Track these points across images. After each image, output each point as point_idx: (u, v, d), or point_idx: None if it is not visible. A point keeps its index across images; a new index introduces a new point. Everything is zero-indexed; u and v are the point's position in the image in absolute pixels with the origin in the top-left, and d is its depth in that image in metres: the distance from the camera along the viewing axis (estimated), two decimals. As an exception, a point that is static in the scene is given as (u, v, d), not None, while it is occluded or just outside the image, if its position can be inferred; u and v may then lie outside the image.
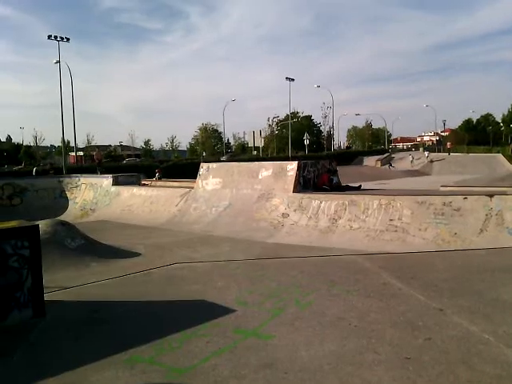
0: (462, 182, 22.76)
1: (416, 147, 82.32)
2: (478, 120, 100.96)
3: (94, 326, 4.93)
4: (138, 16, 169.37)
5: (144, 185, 18.22)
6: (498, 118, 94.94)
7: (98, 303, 5.72)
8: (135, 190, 16.83)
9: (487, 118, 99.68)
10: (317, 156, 50.40)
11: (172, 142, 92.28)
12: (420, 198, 9.74)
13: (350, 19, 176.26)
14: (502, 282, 5.94)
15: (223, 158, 52.57)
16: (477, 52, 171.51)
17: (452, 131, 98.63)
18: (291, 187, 11.96)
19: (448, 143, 62.16)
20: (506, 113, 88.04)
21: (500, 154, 52.95)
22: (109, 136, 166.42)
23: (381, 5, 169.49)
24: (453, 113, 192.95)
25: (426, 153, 58.39)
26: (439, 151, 62.63)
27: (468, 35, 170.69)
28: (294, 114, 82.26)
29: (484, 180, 25.91)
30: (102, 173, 21.32)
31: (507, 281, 6.04)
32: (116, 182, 17.77)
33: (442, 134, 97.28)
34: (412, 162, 52.49)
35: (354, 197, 10.75)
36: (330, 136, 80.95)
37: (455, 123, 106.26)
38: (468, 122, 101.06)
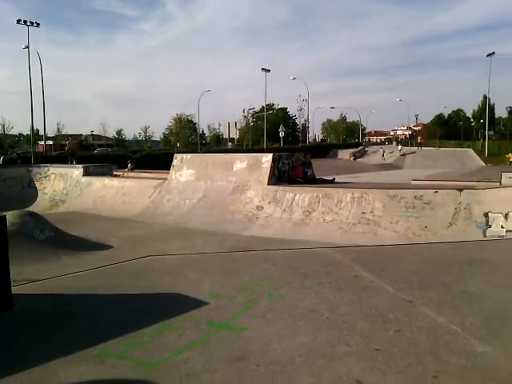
0: (433, 175, 23.27)
1: (389, 141, 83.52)
2: (449, 115, 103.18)
3: (63, 319, 4.83)
4: (114, 3, 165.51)
5: (116, 175, 17.89)
6: (469, 114, 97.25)
7: (69, 296, 5.60)
8: (107, 180, 16.51)
9: (458, 114, 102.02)
10: (292, 148, 50.51)
11: (145, 132, 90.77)
12: (392, 192, 9.90)
13: (327, 12, 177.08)
14: (470, 275, 6.10)
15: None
16: (452, 47, 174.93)
17: (424, 126, 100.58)
18: (266, 179, 11.97)
19: (419, 137, 63.16)
20: (476, 109, 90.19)
21: (470, 149, 54.30)
22: (80, 125, 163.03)
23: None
24: (426, 107, 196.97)
25: (399, 146, 59.35)
26: (412, 145, 63.69)
27: (444, 30, 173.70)
28: (270, 106, 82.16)
29: (455, 174, 26.52)
30: (73, 163, 20.77)
31: (474, 273, 6.21)
32: (87, 173, 17.38)
33: (415, 128, 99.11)
34: (383, 156, 53.27)
35: (327, 190, 10.84)
36: (305, 129, 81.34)
37: (428, 118, 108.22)
38: (440, 116, 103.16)
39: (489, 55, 51.94)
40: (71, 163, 20.95)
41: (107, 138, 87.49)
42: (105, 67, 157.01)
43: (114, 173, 18.63)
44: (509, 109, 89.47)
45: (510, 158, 37.86)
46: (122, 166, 21.99)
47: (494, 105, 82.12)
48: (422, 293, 5.32)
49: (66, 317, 4.90)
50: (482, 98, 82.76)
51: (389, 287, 5.58)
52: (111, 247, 8.79)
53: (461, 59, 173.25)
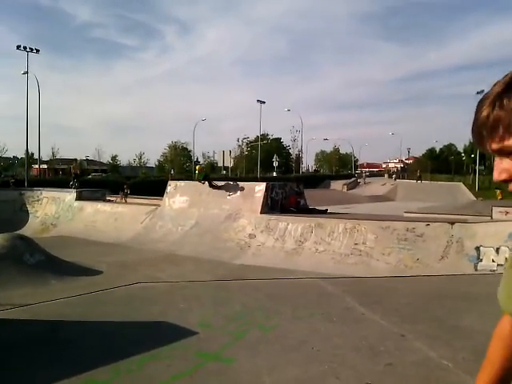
0: (425, 208, 23.37)
1: (381, 174, 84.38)
2: (440, 149, 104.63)
3: (49, 347, 4.72)
4: (114, 32, 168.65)
5: (109, 201, 17.85)
6: (460, 148, 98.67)
7: (56, 322, 5.50)
8: (99, 205, 16.47)
9: (450, 148, 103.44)
10: (285, 178, 50.77)
11: (140, 158, 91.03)
12: (384, 223, 9.94)
13: (322, 47, 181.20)
14: (462, 309, 6.08)
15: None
16: (444, 84, 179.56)
17: (416, 159, 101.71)
18: (259, 208, 12.00)
19: (418, 170, 63.21)
20: (467, 143, 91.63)
21: (461, 183, 54.83)
22: (75, 150, 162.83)
23: (354, 35, 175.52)
24: (418, 141, 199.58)
25: (394, 176, 60.26)
26: (403, 178, 64.16)
27: (436, 68, 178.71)
28: (264, 136, 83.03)
29: (446, 207, 26.66)
30: (76, 187, 20.50)
31: (466, 308, 6.18)
32: (80, 197, 17.34)
33: (407, 161, 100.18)
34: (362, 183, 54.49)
35: (320, 220, 10.87)
36: (299, 159, 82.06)
37: (420, 151, 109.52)
38: (432, 151, 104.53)
39: (478, 93, 53.08)
40: (73, 186, 20.75)
41: (102, 164, 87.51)
42: (102, 94, 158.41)
43: (108, 198, 18.59)
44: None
45: (499, 196, 38.08)
46: (116, 192, 21.92)
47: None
48: (414, 326, 5.28)
49: (53, 343, 4.80)
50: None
51: (380, 320, 5.54)
52: (101, 272, 8.70)
53: (452, 95, 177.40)
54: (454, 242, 9.01)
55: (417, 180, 56.51)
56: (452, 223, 9.30)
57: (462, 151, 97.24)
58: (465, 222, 9.57)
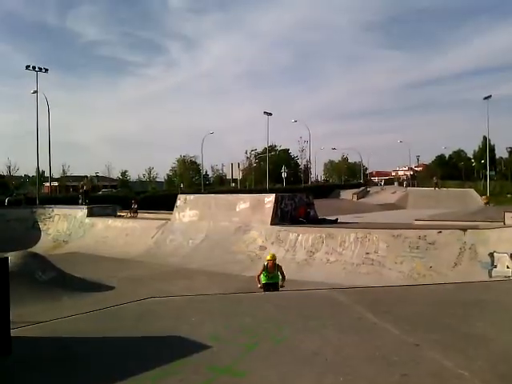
0: (436, 215, 23.18)
1: (391, 182, 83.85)
2: (450, 156, 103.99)
3: (63, 363, 4.72)
4: (120, 49, 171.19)
5: (120, 216, 17.98)
6: (470, 154, 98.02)
7: (68, 339, 5.51)
8: (110, 221, 16.59)
9: (459, 154, 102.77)
10: (294, 189, 50.75)
11: (149, 173, 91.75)
12: (395, 232, 9.88)
13: (327, 58, 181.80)
14: (475, 317, 5.99)
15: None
16: (450, 90, 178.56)
17: (425, 166, 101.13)
18: (269, 220, 12.00)
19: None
20: (476, 149, 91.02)
21: (472, 189, 54.19)
22: (85, 167, 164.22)
23: (358, 45, 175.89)
24: (427, 148, 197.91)
25: (405, 184, 60.19)
26: (413, 186, 63.70)
27: (442, 74, 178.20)
28: (272, 148, 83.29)
29: (457, 214, 26.45)
30: (86, 204, 20.67)
31: (479, 315, 6.10)
32: (91, 214, 17.50)
33: (416, 168, 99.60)
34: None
35: (330, 230, 10.84)
36: (308, 169, 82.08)
37: (429, 158, 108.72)
38: (441, 157, 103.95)
39: (485, 98, 52.92)
40: (84, 203, 20.90)
41: (112, 180, 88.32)
42: (110, 110, 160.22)
43: (118, 213, 18.73)
44: (509, 149, 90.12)
45: (484, 200, 37.43)
46: (126, 207, 22.08)
47: (494, 145, 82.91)
48: (427, 335, 5.21)
49: (66, 360, 4.80)
50: (482, 139, 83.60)
51: (393, 329, 5.47)
52: (113, 288, 8.73)
53: (459, 101, 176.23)
54: (466, 248, 8.92)
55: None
56: (464, 230, 9.21)
57: (471, 157, 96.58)
58: (477, 228, 9.47)
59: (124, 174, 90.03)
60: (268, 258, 7.88)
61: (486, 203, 35.82)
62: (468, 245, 8.90)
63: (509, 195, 38.98)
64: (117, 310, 7.01)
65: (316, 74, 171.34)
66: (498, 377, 4.05)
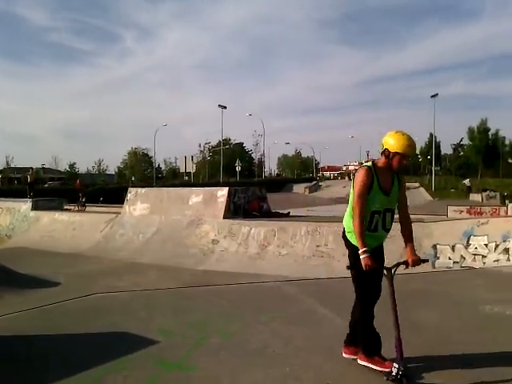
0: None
1: (341, 176, 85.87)
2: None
3: (3, 363, 4.49)
4: (67, 36, 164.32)
5: (67, 210, 17.32)
6: (417, 150, 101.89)
7: (10, 338, 5.24)
8: (57, 215, 15.92)
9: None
10: (248, 182, 50.92)
11: (99, 165, 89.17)
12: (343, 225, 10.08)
13: (284, 53, 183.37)
14: (420, 306, 6.24)
15: None
16: (401, 88, 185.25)
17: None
18: (221, 213, 11.91)
19: None
20: (423, 145, 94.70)
21: (418, 184, 56.55)
22: (31, 158, 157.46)
23: (314, 41, 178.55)
24: (376, 144, 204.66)
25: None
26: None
27: (393, 73, 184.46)
28: (227, 141, 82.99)
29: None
30: (30, 197, 19.75)
31: (424, 304, 6.36)
32: (36, 207, 16.71)
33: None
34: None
35: (282, 223, 10.91)
36: (262, 163, 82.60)
37: (378, 154, 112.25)
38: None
39: (432, 96, 55.21)
40: (29, 196, 20.01)
41: (59, 172, 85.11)
42: (58, 100, 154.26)
43: (65, 207, 18.04)
44: (453, 146, 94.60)
45: None
46: (74, 200, 21.33)
47: (439, 142, 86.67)
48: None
49: (7, 360, 4.57)
50: (428, 136, 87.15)
51: (341, 320, 5.59)
52: (59, 284, 8.38)
53: (409, 99, 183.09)
54: (411, 241, 9.24)
55: None
56: (409, 223, 9.54)
57: (418, 153, 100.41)
58: (421, 221, 9.84)
59: (72, 166, 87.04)
60: None
61: None
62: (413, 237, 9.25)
63: (452, 190, 40.86)
64: (61, 306, 6.74)
65: (272, 70, 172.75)
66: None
